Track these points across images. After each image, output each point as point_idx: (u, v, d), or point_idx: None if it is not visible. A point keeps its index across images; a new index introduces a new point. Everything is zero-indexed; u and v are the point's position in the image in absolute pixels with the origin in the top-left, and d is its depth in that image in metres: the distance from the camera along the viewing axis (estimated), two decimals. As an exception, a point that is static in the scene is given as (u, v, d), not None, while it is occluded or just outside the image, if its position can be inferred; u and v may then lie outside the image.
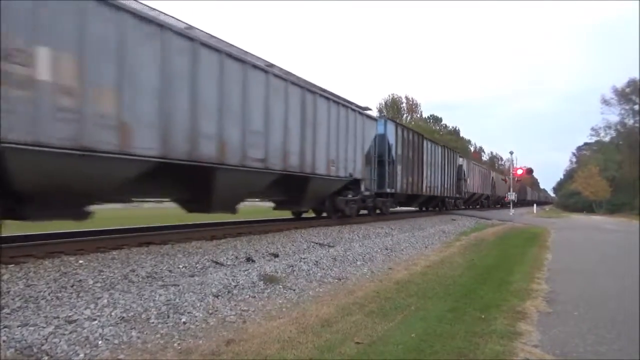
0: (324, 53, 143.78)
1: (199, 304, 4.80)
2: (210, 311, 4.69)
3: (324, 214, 14.92)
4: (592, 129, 73.67)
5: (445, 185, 25.30)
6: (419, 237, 12.68)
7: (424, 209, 26.10)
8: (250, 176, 9.44)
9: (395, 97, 73.13)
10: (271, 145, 9.92)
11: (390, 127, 17.55)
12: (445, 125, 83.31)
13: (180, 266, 6.48)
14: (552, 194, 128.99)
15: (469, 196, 33.14)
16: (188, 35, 7.73)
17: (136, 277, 5.73)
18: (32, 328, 3.65)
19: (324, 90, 12.49)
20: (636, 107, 61.92)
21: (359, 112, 14.51)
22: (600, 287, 6.97)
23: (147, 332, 3.99)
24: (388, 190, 16.91)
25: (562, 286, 6.73)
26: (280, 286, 5.94)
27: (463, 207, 33.62)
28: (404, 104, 73.99)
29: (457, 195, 28.63)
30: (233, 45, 9.31)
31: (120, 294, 4.72)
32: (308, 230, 11.60)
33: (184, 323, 4.31)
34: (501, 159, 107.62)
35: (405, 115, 72.63)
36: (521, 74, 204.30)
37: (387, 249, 9.95)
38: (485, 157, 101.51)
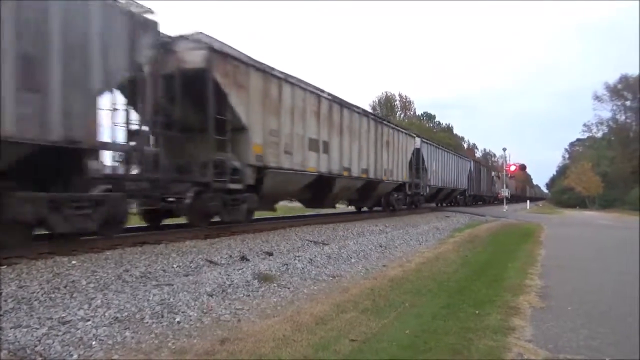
0: (318, 50, 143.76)
1: (193, 303, 4.79)
2: (204, 310, 4.68)
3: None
4: (585, 125, 74.09)
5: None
6: (413, 234, 12.71)
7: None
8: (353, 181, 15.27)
9: (389, 94, 73.25)
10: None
11: (424, 144, 23.62)
12: (439, 123, 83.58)
13: (175, 265, 6.46)
14: (545, 190, 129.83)
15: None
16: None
17: (130, 277, 5.71)
18: (25, 329, 3.63)
19: (385, 119, 20.82)
20: (628, 102, 62.45)
21: (405, 133, 20.80)
22: (593, 282, 7.03)
23: (141, 332, 3.98)
24: (421, 192, 22.83)
25: (555, 281, 6.77)
26: (275, 284, 5.94)
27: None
28: (398, 102, 74.14)
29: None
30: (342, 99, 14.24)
31: (114, 294, 4.70)
32: (302, 229, 11.61)
33: (178, 322, 4.30)
34: (494, 155, 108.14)
35: (398, 112, 72.75)
36: (515, 72, 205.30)
37: (381, 247, 9.97)
38: (478, 154, 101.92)
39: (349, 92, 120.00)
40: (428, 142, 25.01)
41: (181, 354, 3.57)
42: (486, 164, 61.52)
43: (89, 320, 3.97)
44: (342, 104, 14.11)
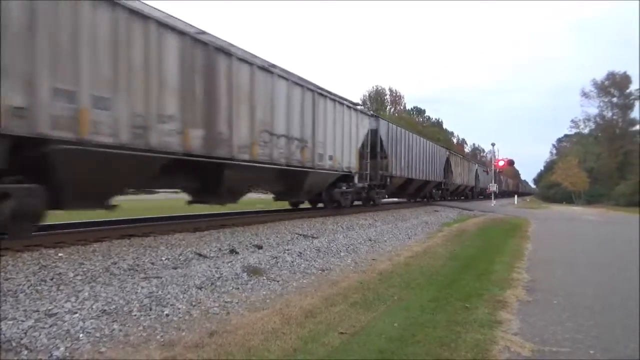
0: (309, 44, 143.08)
1: (182, 296, 4.77)
2: (193, 303, 4.67)
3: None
4: (572, 121, 74.96)
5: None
6: (402, 228, 12.78)
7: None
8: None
9: (380, 89, 73.31)
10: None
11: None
12: (429, 117, 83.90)
13: (163, 258, 6.42)
14: (532, 185, 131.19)
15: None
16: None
17: (118, 269, 5.66)
18: (10, 322, 3.59)
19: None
20: (614, 99, 63.19)
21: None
22: (579, 276, 7.13)
23: (129, 324, 3.96)
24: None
25: (541, 275, 6.86)
26: (264, 278, 5.94)
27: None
28: (388, 96, 74.24)
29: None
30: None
31: (101, 287, 4.67)
32: (292, 222, 11.60)
33: (167, 315, 4.28)
34: (483, 150, 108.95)
35: (388, 107, 72.87)
36: (504, 68, 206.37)
37: (370, 240, 10.01)
38: (467, 149, 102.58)
39: (340, 86, 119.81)
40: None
41: (169, 346, 3.55)
42: (467, 155, 61.64)
43: (76, 312, 3.94)
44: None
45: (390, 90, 74.75)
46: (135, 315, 4.17)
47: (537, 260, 8.38)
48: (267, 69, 10.75)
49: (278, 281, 5.92)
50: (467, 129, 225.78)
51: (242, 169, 9.79)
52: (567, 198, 60.17)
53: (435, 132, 69.35)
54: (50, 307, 3.96)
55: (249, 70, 10.00)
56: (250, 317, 4.35)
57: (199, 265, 6.09)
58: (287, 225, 10.93)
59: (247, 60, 9.97)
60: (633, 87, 62.21)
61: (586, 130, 70.82)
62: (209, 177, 9.43)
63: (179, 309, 4.46)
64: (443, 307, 4.91)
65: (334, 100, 14.19)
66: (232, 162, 9.43)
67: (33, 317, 3.72)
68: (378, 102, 70.66)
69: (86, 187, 6.89)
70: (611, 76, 63.94)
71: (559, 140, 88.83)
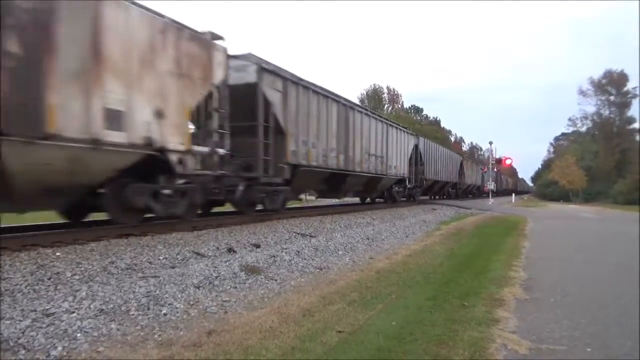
0: (306, 41, 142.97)
1: (179, 296, 4.77)
2: (191, 302, 4.67)
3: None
4: (570, 119, 75.23)
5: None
6: (400, 227, 12.79)
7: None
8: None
9: (377, 87, 73.25)
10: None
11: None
12: (427, 116, 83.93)
13: (161, 257, 6.42)
14: (530, 184, 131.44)
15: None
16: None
17: (115, 269, 5.66)
18: (8, 322, 3.58)
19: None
20: (612, 97, 63.34)
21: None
22: (575, 274, 7.15)
23: (127, 324, 3.96)
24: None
25: (539, 273, 6.88)
26: (262, 276, 5.94)
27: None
28: (386, 94, 74.19)
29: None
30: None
31: (99, 286, 4.66)
32: (290, 221, 11.60)
33: (165, 314, 4.28)
34: (481, 149, 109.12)
35: (386, 105, 72.82)
36: (501, 66, 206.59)
37: (368, 239, 10.02)
38: (465, 147, 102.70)
39: (337, 84, 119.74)
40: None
41: (167, 345, 3.55)
42: (476, 159, 62.50)
43: (73, 312, 3.93)
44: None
45: (388, 88, 74.74)
46: (133, 314, 4.17)
47: (535, 258, 8.41)
48: (367, 113, 17.72)
49: (276, 280, 5.92)
50: (464, 127, 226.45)
51: (355, 177, 16.30)
52: (565, 196, 60.27)
53: (433, 130, 69.36)
54: (47, 307, 3.96)
55: (360, 116, 16.59)
56: (248, 316, 4.35)
57: (196, 264, 6.09)
58: (285, 224, 10.93)
59: (358, 109, 16.82)
60: (630, 85, 62.41)
61: (583, 129, 71.08)
62: (337, 182, 15.52)
63: (176, 308, 4.46)
64: (441, 305, 4.92)
65: (396, 127, 21.00)
66: (352, 172, 15.73)
67: (30, 317, 3.72)
68: (376, 101, 70.58)
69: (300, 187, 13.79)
70: (608, 74, 64.12)
71: (557, 139, 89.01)
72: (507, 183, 68.28)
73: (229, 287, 5.38)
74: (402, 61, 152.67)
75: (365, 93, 71.95)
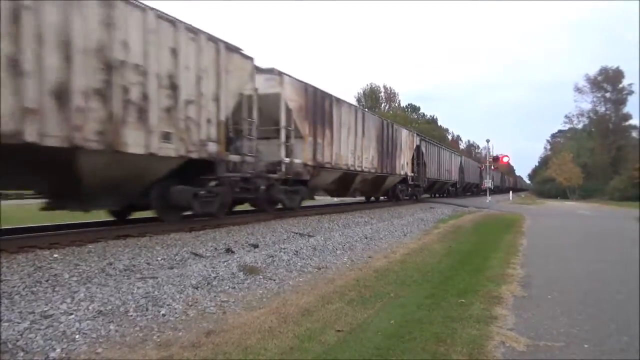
0: (303, 41, 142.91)
1: (178, 296, 4.77)
2: (189, 303, 4.67)
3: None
4: (566, 116, 75.33)
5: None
6: (398, 226, 12.80)
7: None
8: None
9: (374, 86, 73.32)
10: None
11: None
12: (424, 115, 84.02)
13: (159, 258, 6.41)
14: (527, 181, 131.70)
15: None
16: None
17: (113, 270, 5.65)
18: (6, 324, 3.58)
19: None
20: (607, 94, 63.52)
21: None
22: (572, 270, 7.18)
23: (126, 325, 3.96)
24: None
25: (536, 271, 6.90)
26: (261, 276, 5.94)
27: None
28: (382, 94, 74.27)
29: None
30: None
31: (97, 288, 4.65)
32: (288, 220, 11.60)
33: (163, 315, 4.28)
34: (478, 147, 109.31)
35: (383, 104, 72.90)
36: (496, 63, 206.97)
37: (366, 238, 10.03)
38: (462, 146, 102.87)
39: (334, 83, 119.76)
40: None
41: (166, 346, 3.56)
42: (474, 157, 62.95)
43: (72, 314, 3.93)
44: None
45: (385, 87, 74.86)
46: (131, 315, 4.17)
47: (532, 255, 8.43)
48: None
49: (274, 280, 5.92)
50: (461, 125, 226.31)
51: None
52: (562, 193, 60.39)
53: (430, 129, 69.42)
54: (46, 309, 3.95)
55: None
56: (246, 316, 4.36)
57: (195, 264, 6.09)
58: (283, 223, 10.94)
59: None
60: (626, 82, 62.58)
61: (580, 126, 71.19)
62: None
63: (175, 308, 4.46)
64: (439, 303, 4.93)
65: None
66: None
67: (29, 319, 3.71)
68: (373, 100, 70.69)
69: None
70: (604, 71, 64.22)
71: (553, 136, 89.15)
72: (506, 181, 68.58)
73: (227, 287, 5.38)
74: (399, 60, 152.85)
75: (362, 92, 72.05)
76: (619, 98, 63.99)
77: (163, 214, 8.84)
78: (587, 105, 67.70)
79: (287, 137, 12.05)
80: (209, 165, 9.14)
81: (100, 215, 9.37)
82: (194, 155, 8.60)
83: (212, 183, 9.68)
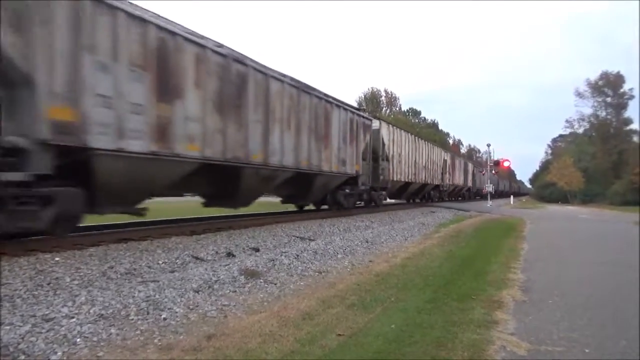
0: (304, 45, 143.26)
1: (179, 300, 4.77)
2: (190, 307, 4.67)
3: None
4: (567, 121, 75.24)
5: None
6: (399, 230, 12.81)
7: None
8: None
9: (375, 90, 73.45)
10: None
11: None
12: (424, 119, 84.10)
13: (160, 262, 6.42)
14: (528, 185, 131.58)
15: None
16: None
17: (115, 273, 5.66)
18: (8, 327, 3.59)
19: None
20: (608, 99, 63.53)
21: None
22: (573, 275, 7.17)
23: (127, 328, 3.96)
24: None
25: (537, 275, 6.90)
26: (261, 280, 5.95)
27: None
28: (383, 98, 74.39)
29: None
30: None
31: (98, 291, 4.67)
32: (289, 225, 11.62)
33: (164, 319, 4.28)
34: (479, 151, 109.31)
35: (384, 108, 72.99)
36: (497, 67, 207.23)
37: (367, 242, 10.03)
38: (463, 150, 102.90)
39: (335, 88, 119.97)
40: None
41: (167, 350, 3.56)
42: (464, 156, 62.68)
43: (73, 317, 3.94)
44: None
45: (386, 91, 75.01)
46: (132, 319, 4.17)
47: (533, 260, 8.43)
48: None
49: (275, 284, 5.93)
50: (462, 130, 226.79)
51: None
52: (563, 198, 60.32)
53: (431, 133, 69.48)
54: (47, 312, 3.96)
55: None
56: (247, 319, 4.36)
57: (196, 268, 6.09)
58: (284, 227, 10.95)
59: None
60: (626, 87, 62.61)
61: (581, 130, 71.12)
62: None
63: (176, 312, 4.47)
64: (440, 307, 4.93)
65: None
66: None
67: (30, 322, 3.72)
68: (374, 104, 70.79)
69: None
70: (605, 76, 64.30)
71: (554, 140, 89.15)
72: (512, 186, 68.50)
73: (228, 291, 5.38)
74: (399, 63, 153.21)
75: (363, 96, 72.17)
76: (620, 103, 64.03)
77: (332, 207, 16.01)
78: (588, 110, 67.74)
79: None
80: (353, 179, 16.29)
81: (104, 219, 9.38)
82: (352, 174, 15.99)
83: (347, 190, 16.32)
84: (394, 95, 75.55)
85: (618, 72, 63.70)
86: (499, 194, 60.41)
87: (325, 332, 4.05)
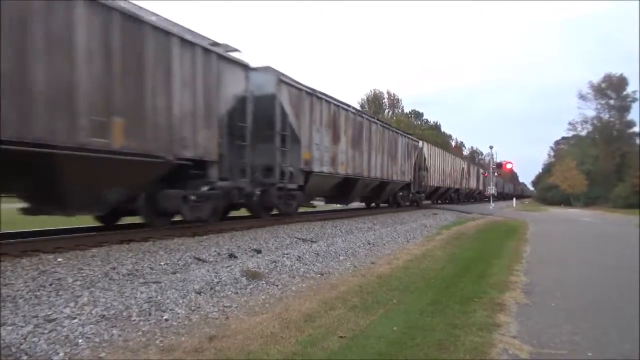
0: (306, 46, 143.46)
1: (181, 301, 4.77)
2: (192, 308, 4.68)
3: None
4: (570, 123, 75.16)
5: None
6: (401, 232, 12.79)
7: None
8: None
9: (377, 92, 73.46)
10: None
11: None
12: (427, 120, 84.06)
13: (162, 263, 6.43)
14: (531, 188, 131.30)
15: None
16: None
17: (117, 274, 5.67)
18: (10, 327, 3.59)
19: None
20: (611, 101, 63.38)
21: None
22: (576, 278, 7.15)
23: (129, 329, 3.96)
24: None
25: (539, 278, 6.88)
26: (263, 282, 5.95)
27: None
28: (386, 99, 74.39)
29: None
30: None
31: (100, 292, 4.67)
32: (291, 226, 11.60)
33: (166, 320, 4.28)
34: (481, 153, 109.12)
35: (386, 110, 72.98)
36: (499, 69, 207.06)
37: (369, 244, 10.02)
38: (466, 152, 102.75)
39: (338, 89, 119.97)
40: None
41: (169, 351, 3.56)
42: (478, 164, 63.11)
43: (75, 318, 3.94)
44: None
45: (388, 93, 75.00)
46: (134, 320, 4.17)
47: (535, 262, 8.40)
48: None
49: (277, 285, 5.92)
50: (464, 132, 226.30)
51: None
52: (565, 200, 60.14)
53: (433, 135, 69.43)
54: (49, 313, 3.97)
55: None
56: (249, 321, 4.36)
57: (198, 269, 6.10)
58: (285, 229, 10.94)
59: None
60: (630, 89, 62.45)
61: (583, 133, 70.95)
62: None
63: (178, 313, 4.47)
64: (442, 310, 4.92)
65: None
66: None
67: (32, 323, 3.73)
68: (376, 106, 70.79)
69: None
70: (608, 78, 64.15)
71: (557, 143, 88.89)
72: (509, 188, 68.55)
73: (230, 292, 5.39)
74: (402, 65, 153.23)
75: (365, 98, 72.19)
76: (623, 105, 63.85)
77: (392, 205, 21.61)
78: (590, 112, 67.56)
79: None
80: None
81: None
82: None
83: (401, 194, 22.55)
84: (396, 96, 75.63)
85: (621, 75, 63.57)
86: (502, 196, 60.33)
87: (327, 334, 4.05)
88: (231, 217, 12.53)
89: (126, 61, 7.25)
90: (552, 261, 8.75)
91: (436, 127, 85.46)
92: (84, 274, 5.45)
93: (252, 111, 10.48)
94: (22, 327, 3.63)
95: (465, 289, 5.98)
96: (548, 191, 69.70)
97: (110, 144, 6.97)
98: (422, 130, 68.74)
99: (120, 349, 3.57)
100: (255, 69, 10.73)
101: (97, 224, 9.44)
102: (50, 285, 4.98)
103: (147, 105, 7.72)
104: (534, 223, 18.99)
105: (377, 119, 19.73)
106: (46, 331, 3.63)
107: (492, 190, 36.48)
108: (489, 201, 35.51)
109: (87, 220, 9.42)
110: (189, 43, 8.58)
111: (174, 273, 5.97)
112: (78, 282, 5.18)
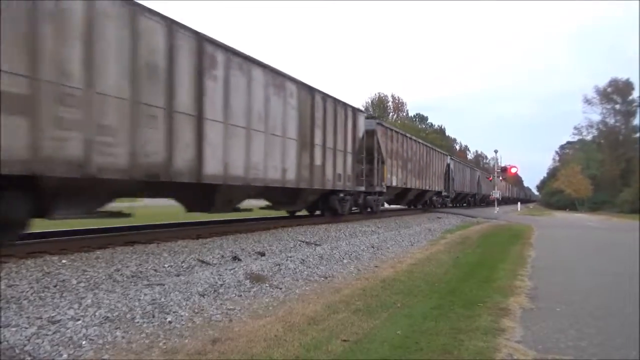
0: (313, 50, 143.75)
1: (184, 303, 4.77)
2: (196, 310, 4.67)
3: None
4: (575, 127, 74.94)
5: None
6: (405, 235, 12.76)
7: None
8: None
9: (382, 95, 73.43)
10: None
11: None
12: (431, 124, 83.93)
13: (166, 265, 6.43)
14: (536, 192, 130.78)
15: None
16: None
17: (121, 276, 5.68)
18: (14, 329, 3.60)
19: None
20: (617, 106, 63.12)
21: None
22: (581, 283, 7.10)
23: (132, 331, 3.97)
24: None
25: (544, 283, 6.84)
26: (267, 285, 5.94)
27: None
28: (390, 103, 74.33)
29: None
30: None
31: (104, 294, 4.68)
32: (295, 229, 11.60)
33: (170, 322, 4.28)
34: (486, 157, 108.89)
35: (391, 114, 72.93)
36: (504, 74, 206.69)
37: (373, 247, 10.00)
38: (470, 156, 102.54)
39: (343, 92, 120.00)
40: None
41: (172, 353, 3.56)
42: (482, 168, 63.36)
43: (79, 319, 3.95)
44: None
45: (393, 97, 74.91)
46: (138, 322, 4.17)
47: (540, 267, 8.36)
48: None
49: (281, 288, 5.92)
50: (469, 136, 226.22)
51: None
52: (571, 205, 59.89)
53: (437, 138, 69.31)
54: (53, 314, 3.97)
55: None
56: (252, 324, 4.35)
57: (201, 272, 6.10)
58: (289, 232, 10.94)
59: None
60: (635, 94, 62.21)
61: (589, 137, 70.71)
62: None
63: (181, 316, 4.47)
64: (446, 314, 4.90)
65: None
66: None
67: (36, 324, 3.73)
68: (381, 109, 70.73)
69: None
70: (614, 83, 63.98)
71: (562, 147, 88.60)
72: (515, 193, 68.33)
73: (233, 295, 5.38)
74: (407, 69, 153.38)
75: (370, 101, 72.14)
76: (629, 110, 63.63)
77: (428, 209, 26.73)
78: (596, 117, 67.40)
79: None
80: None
81: (107, 222, 9.42)
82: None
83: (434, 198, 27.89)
84: (401, 100, 75.45)
85: (627, 80, 63.37)
86: (506, 201, 60.14)
87: (330, 337, 4.03)
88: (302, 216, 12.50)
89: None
90: (557, 266, 8.69)
91: (441, 130, 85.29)
92: (88, 276, 5.46)
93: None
94: (26, 328, 3.64)
95: (469, 293, 5.95)
96: (553, 196, 69.47)
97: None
98: (426, 134, 68.59)
99: (124, 351, 3.57)
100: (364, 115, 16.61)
101: (102, 225, 9.47)
102: (55, 286, 5.00)
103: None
104: (539, 227, 18.89)
105: (424, 143, 25.37)
106: (50, 333, 3.63)
107: (496, 194, 36.36)
108: (493, 205, 35.40)
109: (92, 223, 9.46)
110: (350, 107, 15.28)
111: (178, 275, 5.97)
112: (82, 284, 5.20)
